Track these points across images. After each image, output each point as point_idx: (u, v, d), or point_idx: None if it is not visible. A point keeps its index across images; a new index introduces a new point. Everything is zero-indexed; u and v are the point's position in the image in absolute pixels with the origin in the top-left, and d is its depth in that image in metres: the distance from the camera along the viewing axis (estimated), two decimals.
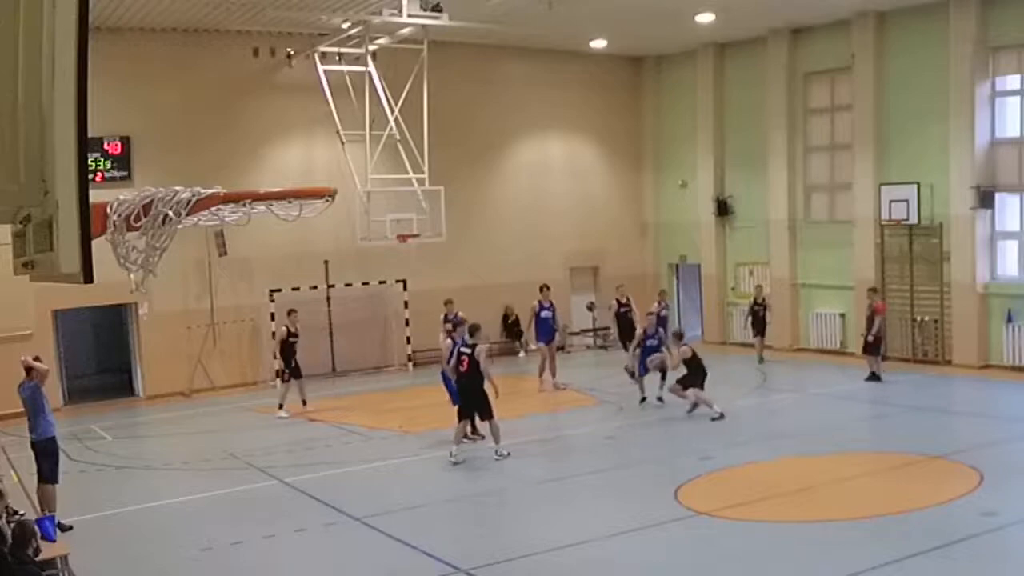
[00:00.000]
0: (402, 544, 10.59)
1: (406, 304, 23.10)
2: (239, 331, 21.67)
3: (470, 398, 13.92)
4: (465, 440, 14.61)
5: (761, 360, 22.00)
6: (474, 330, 14.09)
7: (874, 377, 18.87)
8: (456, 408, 14.36)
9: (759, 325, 22.05)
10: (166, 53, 20.73)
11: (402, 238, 20.73)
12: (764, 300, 22.31)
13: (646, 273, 27.16)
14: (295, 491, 12.97)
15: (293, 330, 18.09)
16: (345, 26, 20.27)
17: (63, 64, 3.08)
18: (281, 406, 17.97)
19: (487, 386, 13.90)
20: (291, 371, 18.16)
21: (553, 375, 19.85)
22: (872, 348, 19.01)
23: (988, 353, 20.03)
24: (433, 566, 9.81)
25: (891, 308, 21.54)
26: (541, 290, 20.11)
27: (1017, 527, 10.08)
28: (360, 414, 18.07)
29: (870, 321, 19.08)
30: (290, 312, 18.51)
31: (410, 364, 23.20)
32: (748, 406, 18.05)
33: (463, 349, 13.90)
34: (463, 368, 13.81)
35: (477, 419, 14.57)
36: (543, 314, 19.78)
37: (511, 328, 24.79)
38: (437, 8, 19.20)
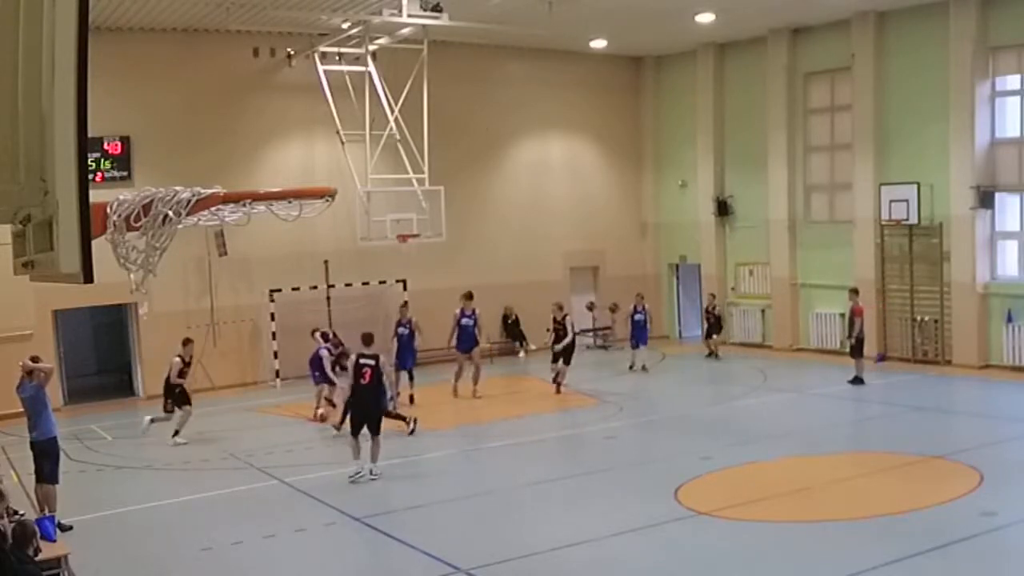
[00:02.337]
0: (402, 544, 10.59)
1: (406, 304, 23.07)
2: (239, 331, 21.67)
3: (366, 411, 13.24)
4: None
5: (712, 355, 23.19)
6: (369, 340, 13.54)
7: (857, 380, 18.81)
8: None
9: (714, 327, 23.47)
10: (166, 53, 20.73)
11: (402, 238, 20.70)
12: (715, 308, 23.64)
13: (646, 273, 27.16)
14: (295, 491, 12.97)
15: (188, 360, 16.47)
16: (345, 26, 20.26)
17: (63, 64, 3.07)
18: (177, 432, 16.22)
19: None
20: (179, 400, 16.30)
21: (475, 381, 19.29)
22: (856, 350, 19.00)
23: (988, 353, 20.03)
24: (433, 566, 9.81)
25: (891, 308, 21.57)
26: (464, 297, 19.43)
27: (1017, 527, 10.08)
28: None
29: (851, 323, 19.09)
30: (186, 342, 16.63)
31: None
32: (748, 406, 18.06)
33: (364, 360, 13.23)
34: (364, 380, 13.12)
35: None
36: (464, 321, 19.18)
37: (511, 328, 24.79)
38: (437, 8, 19.19)
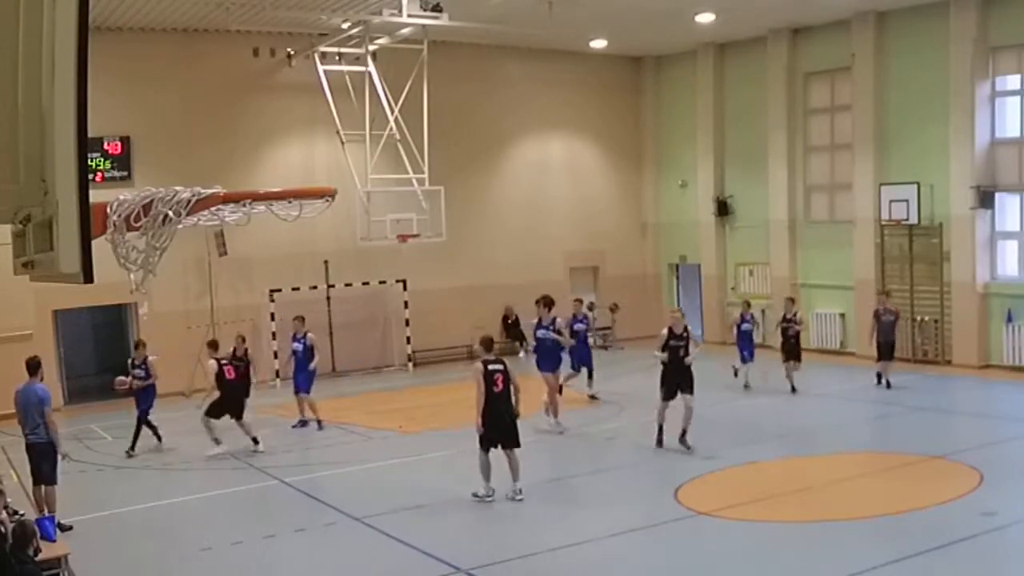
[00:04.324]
0: (402, 544, 10.59)
1: (406, 304, 23.10)
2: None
3: (503, 423, 11.62)
4: None
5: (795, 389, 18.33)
6: (490, 345, 11.98)
7: (881, 378, 18.57)
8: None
9: (792, 349, 18.51)
10: (166, 53, 20.74)
11: (402, 238, 20.72)
12: (796, 316, 18.73)
13: (646, 273, 27.18)
14: (295, 491, 12.97)
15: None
16: (345, 26, 20.27)
17: (63, 64, 3.07)
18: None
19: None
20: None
21: (555, 414, 15.93)
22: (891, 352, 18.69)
23: (988, 353, 20.04)
24: (433, 566, 9.80)
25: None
26: (539, 304, 15.96)
27: (1017, 527, 10.08)
28: (360, 414, 18.07)
29: (893, 326, 18.52)
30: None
31: (410, 364, 23.19)
32: (748, 406, 18.05)
33: (493, 367, 11.58)
34: (497, 388, 11.54)
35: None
36: (540, 333, 15.94)
37: (511, 328, 24.78)
38: (437, 8, 19.20)
